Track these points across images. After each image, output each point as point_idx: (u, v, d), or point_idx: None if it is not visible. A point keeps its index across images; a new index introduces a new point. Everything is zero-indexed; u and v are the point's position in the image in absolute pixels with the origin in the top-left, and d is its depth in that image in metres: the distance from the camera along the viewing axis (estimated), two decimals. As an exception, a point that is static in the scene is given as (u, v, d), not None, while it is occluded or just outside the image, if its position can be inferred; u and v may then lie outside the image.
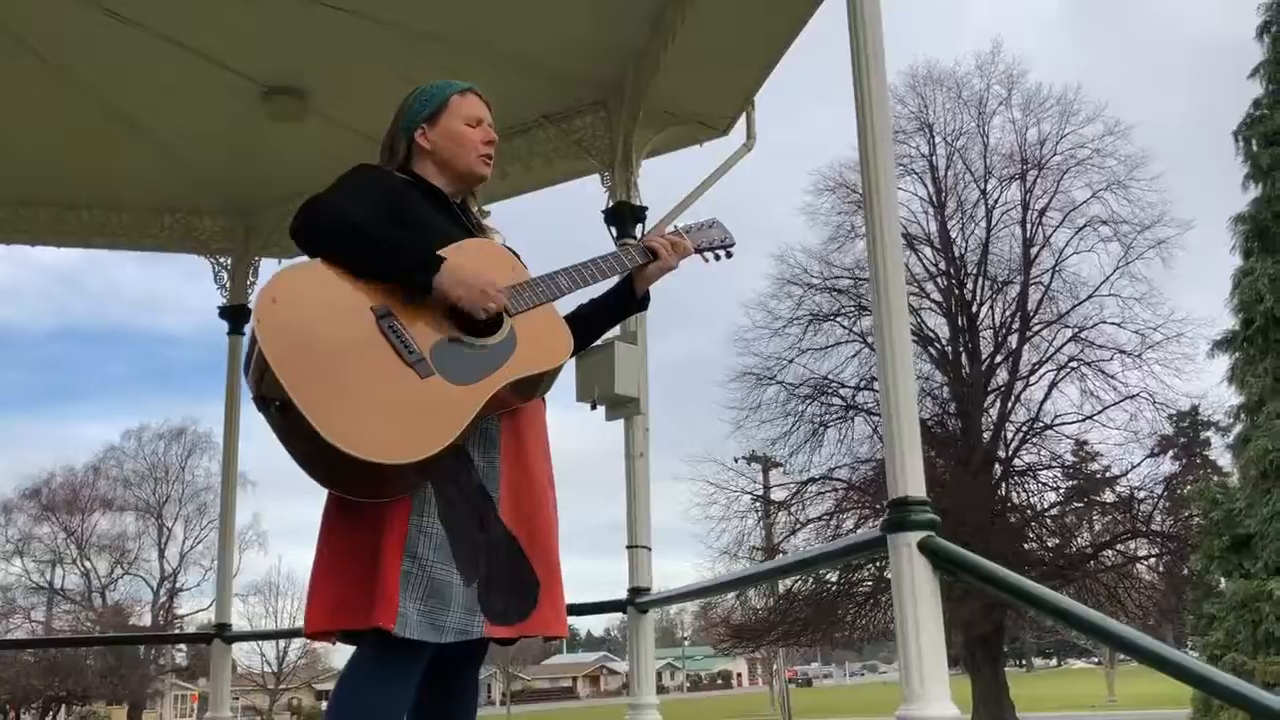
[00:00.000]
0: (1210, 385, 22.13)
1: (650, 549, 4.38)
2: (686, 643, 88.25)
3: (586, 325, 2.46)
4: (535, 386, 2.23)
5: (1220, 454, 21.56)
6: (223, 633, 5.54)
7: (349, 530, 2.06)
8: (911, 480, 2.23)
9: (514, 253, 2.39)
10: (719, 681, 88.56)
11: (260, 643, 47.72)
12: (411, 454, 1.94)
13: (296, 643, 42.62)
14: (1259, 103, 15.98)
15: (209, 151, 5.26)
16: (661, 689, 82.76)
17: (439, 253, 2.12)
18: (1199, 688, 1.94)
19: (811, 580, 22.26)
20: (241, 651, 42.45)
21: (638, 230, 4.52)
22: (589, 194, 4.74)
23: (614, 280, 2.47)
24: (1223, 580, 15.54)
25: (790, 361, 23.69)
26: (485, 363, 2.10)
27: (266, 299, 2.01)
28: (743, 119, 4.76)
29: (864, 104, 2.60)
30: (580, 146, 4.79)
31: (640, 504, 4.41)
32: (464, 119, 2.37)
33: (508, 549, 2.14)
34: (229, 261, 5.85)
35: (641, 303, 2.54)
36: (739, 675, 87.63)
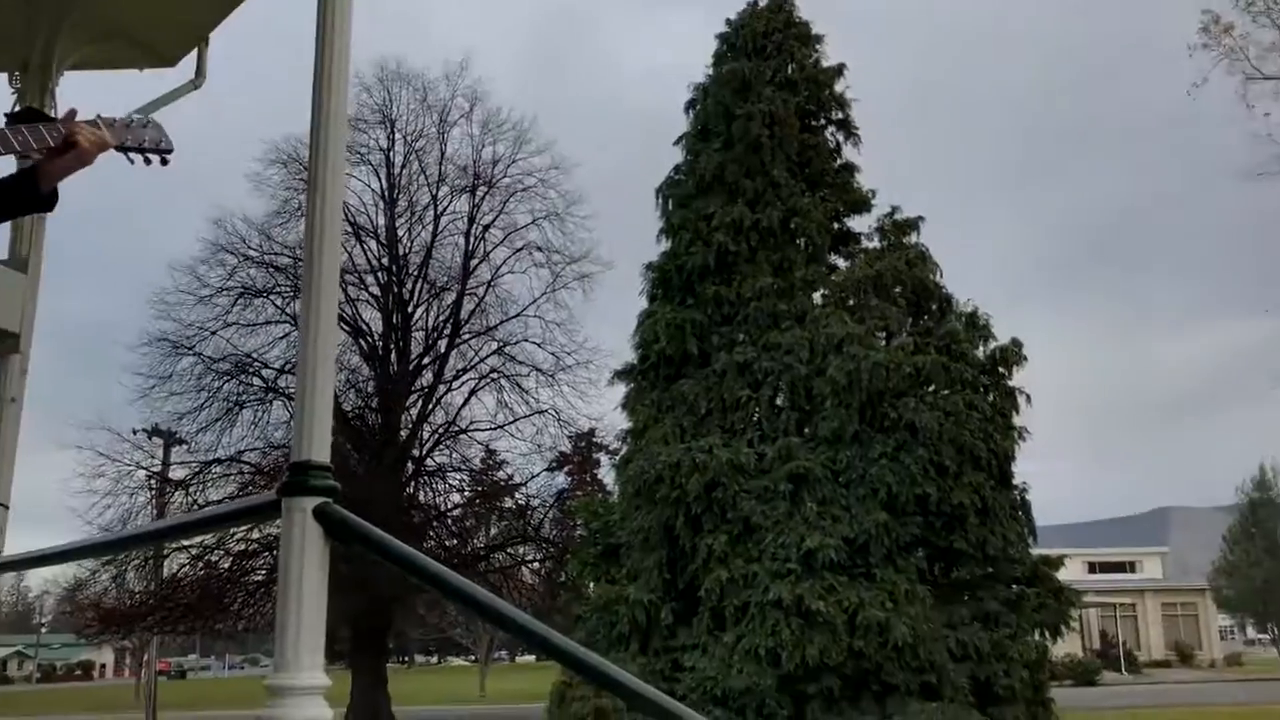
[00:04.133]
0: (607, 410, 24.60)
1: (8, 507, 3.82)
2: (44, 629, 79.20)
3: None
4: None
5: (607, 473, 24.06)
6: None
7: None
8: (317, 446, 2.14)
9: None
10: (78, 672, 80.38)
11: None
12: None
13: None
14: (678, 168, 18.16)
15: None
16: (5, 679, 73.53)
17: None
18: (567, 665, 2.08)
19: (201, 566, 21.11)
20: None
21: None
22: None
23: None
24: (591, 585, 17.29)
25: (213, 333, 22.46)
26: None
27: None
28: (194, 54, 4.37)
29: (323, 73, 2.48)
30: (-14, 37, 4.09)
31: (5, 457, 3.83)
32: None
33: None
34: None
35: (47, 201, 2.10)
36: (104, 666, 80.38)
